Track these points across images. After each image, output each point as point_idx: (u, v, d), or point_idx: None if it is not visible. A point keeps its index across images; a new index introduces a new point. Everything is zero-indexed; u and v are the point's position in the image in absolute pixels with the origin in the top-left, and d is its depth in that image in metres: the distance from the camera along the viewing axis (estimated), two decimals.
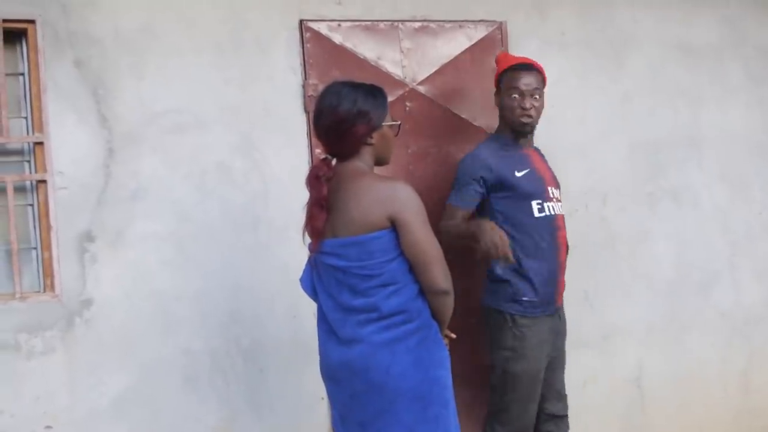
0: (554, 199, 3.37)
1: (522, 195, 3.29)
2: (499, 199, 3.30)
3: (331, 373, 2.72)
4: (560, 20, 3.95)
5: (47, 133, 3.11)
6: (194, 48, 3.30)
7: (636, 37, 4.10)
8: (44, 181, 3.11)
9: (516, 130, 3.39)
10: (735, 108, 4.30)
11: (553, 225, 3.33)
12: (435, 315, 2.71)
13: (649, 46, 4.12)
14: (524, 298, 3.27)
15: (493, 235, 3.02)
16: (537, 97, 3.34)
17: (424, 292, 2.67)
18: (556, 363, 3.41)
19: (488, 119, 3.79)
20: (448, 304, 2.71)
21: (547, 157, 3.53)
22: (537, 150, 3.50)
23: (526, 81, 3.33)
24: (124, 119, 3.20)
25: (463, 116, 3.76)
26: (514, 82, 3.34)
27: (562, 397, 3.45)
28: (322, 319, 2.75)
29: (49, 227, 3.10)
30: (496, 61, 3.52)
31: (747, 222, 4.31)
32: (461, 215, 3.29)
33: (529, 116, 3.33)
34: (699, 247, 4.21)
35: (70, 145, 3.13)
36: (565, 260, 3.39)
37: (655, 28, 4.14)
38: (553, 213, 3.34)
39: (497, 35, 3.81)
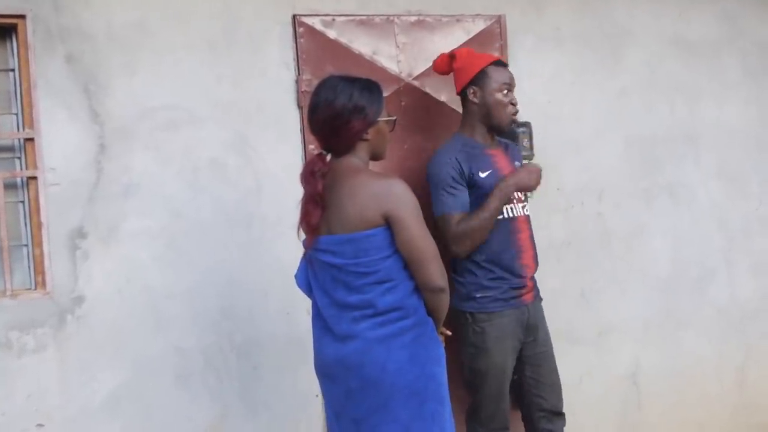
0: (515, 200, 3.30)
1: (484, 197, 3.21)
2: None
3: (325, 370, 2.71)
4: (556, 15, 3.93)
5: (38, 129, 3.08)
6: (187, 44, 3.27)
7: (633, 33, 4.08)
8: (35, 178, 3.08)
9: (498, 127, 3.33)
10: (732, 103, 4.29)
11: (512, 227, 3.28)
12: (431, 312, 2.71)
13: (645, 42, 4.11)
14: (477, 295, 3.24)
15: (533, 174, 3.22)
16: (513, 93, 3.34)
17: (420, 289, 2.67)
18: (540, 358, 3.36)
19: None
20: (444, 301, 2.71)
21: (538, 153, 3.49)
22: (503, 146, 3.43)
23: (511, 77, 3.33)
24: (116, 115, 3.17)
25: (459, 111, 3.72)
26: (502, 77, 3.31)
27: (555, 391, 3.41)
28: (317, 315, 2.74)
29: (40, 224, 3.07)
30: (462, 57, 3.36)
31: (744, 218, 4.31)
32: (461, 218, 3.22)
33: (514, 112, 3.32)
34: (695, 243, 4.20)
35: (61, 141, 3.10)
36: (532, 259, 3.33)
37: (652, 24, 4.13)
38: (512, 215, 3.28)
39: (496, 29, 3.79)
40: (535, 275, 3.38)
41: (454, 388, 3.56)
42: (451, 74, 3.46)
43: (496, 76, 3.31)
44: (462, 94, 3.39)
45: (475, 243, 3.21)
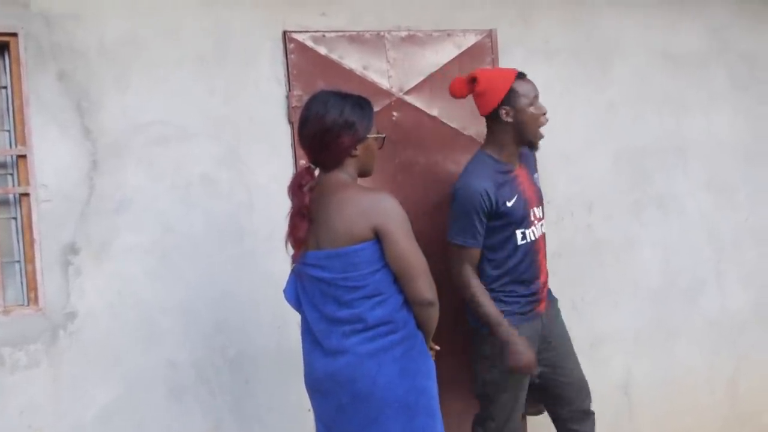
0: (536, 221, 3.32)
1: (508, 224, 3.23)
2: (488, 226, 3.23)
3: (316, 385, 2.72)
4: (545, 29, 3.96)
5: (30, 145, 3.10)
6: (178, 59, 3.29)
7: (621, 46, 4.10)
8: (27, 194, 3.09)
9: (532, 143, 3.28)
10: (720, 115, 4.31)
11: (533, 249, 3.31)
12: (420, 326, 2.72)
13: (634, 54, 4.13)
14: (501, 308, 3.25)
15: (529, 356, 3.15)
16: None
17: (409, 303, 2.68)
18: (558, 357, 3.38)
19: (478, 128, 3.78)
20: (433, 315, 2.72)
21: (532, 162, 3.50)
22: (524, 161, 3.40)
23: (535, 86, 3.28)
24: (108, 131, 3.19)
25: (452, 125, 3.75)
26: (530, 90, 3.25)
27: (580, 389, 3.43)
28: (307, 330, 2.75)
29: (32, 240, 3.08)
30: (485, 79, 3.27)
31: (733, 229, 4.33)
32: (473, 253, 3.22)
33: (547, 121, 3.30)
34: (685, 254, 4.22)
35: (53, 157, 3.11)
36: (546, 272, 3.39)
37: (640, 36, 4.16)
38: (533, 238, 3.30)
39: (487, 43, 3.81)
40: (547, 282, 3.44)
41: (451, 400, 3.61)
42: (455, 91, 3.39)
43: (524, 90, 3.23)
44: (491, 115, 3.28)
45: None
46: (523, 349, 3.16)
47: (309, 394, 2.78)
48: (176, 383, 3.25)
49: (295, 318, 3.04)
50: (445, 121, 3.74)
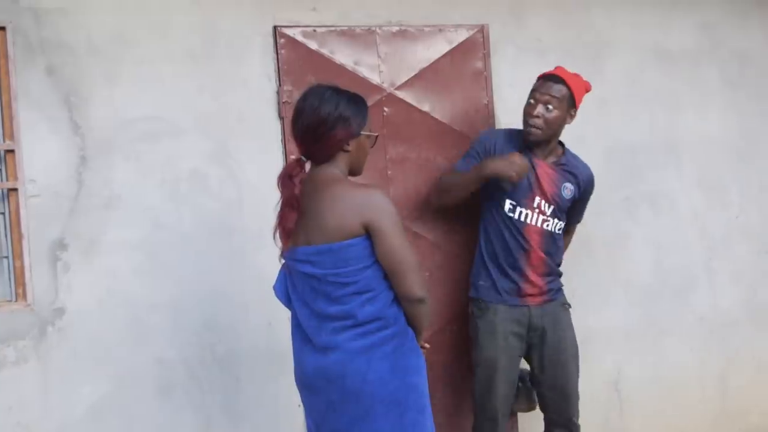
0: (536, 210, 3.40)
1: (501, 191, 3.39)
2: (485, 187, 3.42)
3: (306, 381, 2.71)
4: (537, 26, 3.96)
5: (18, 140, 3.08)
6: (167, 55, 3.28)
7: (613, 43, 4.11)
8: (15, 190, 3.08)
9: (524, 133, 3.42)
10: (712, 113, 4.32)
11: (519, 229, 3.40)
12: (411, 322, 2.70)
13: (625, 52, 4.13)
14: (479, 282, 3.47)
15: (513, 164, 3.29)
16: (550, 107, 3.34)
17: (400, 299, 2.67)
18: (550, 362, 3.44)
19: (468, 123, 3.79)
20: (424, 312, 2.71)
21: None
22: (558, 165, 3.47)
23: (543, 89, 3.37)
24: (96, 127, 3.18)
25: (442, 120, 3.75)
26: (534, 86, 3.40)
27: (563, 399, 3.47)
28: (297, 326, 2.73)
29: (20, 236, 3.07)
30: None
31: (724, 226, 4.33)
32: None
33: (535, 126, 3.35)
34: (676, 252, 4.22)
35: (41, 153, 3.10)
36: (543, 264, 3.43)
37: (632, 34, 4.16)
38: (522, 219, 3.39)
39: (479, 38, 3.80)
40: (555, 283, 3.50)
41: (444, 396, 3.61)
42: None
43: (533, 86, 3.41)
44: None
45: (442, 198, 3.55)
46: (494, 160, 3.33)
47: (299, 391, 2.77)
48: (165, 380, 3.24)
49: (285, 315, 3.03)
50: (436, 116, 3.73)
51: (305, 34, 3.50)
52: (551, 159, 3.48)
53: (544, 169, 3.44)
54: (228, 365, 3.33)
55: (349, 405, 2.61)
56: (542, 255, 3.43)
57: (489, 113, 3.83)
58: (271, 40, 3.44)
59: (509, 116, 3.87)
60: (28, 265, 3.07)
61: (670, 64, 4.23)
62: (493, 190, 3.42)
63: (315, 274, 2.63)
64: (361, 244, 2.60)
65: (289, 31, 3.47)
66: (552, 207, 3.43)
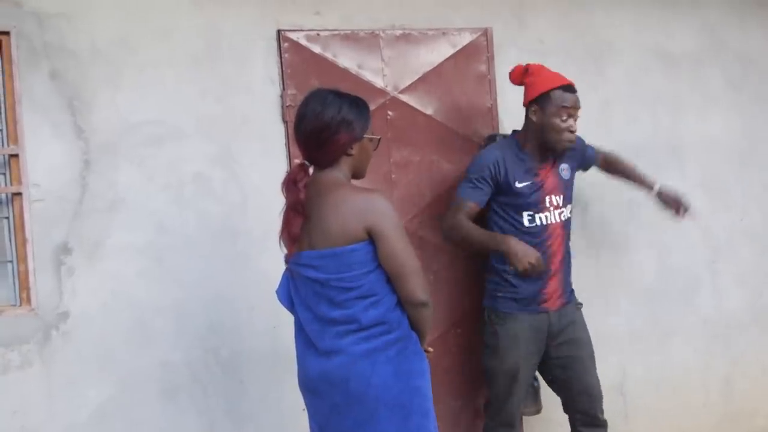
0: (552, 207, 3.42)
1: (516, 206, 3.39)
2: (496, 201, 3.42)
3: (310, 385, 2.71)
4: (539, 28, 3.96)
5: (22, 145, 3.09)
6: (171, 59, 3.28)
7: (615, 45, 4.10)
8: (20, 194, 3.09)
9: (552, 150, 3.40)
10: (715, 115, 4.31)
11: (543, 234, 3.40)
12: (414, 326, 2.70)
13: (628, 54, 4.13)
14: (498, 294, 3.42)
15: (527, 254, 3.25)
16: (577, 117, 3.39)
17: (403, 303, 2.66)
18: (568, 361, 3.45)
19: (473, 126, 3.79)
20: (427, 316, 2.70)
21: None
22: (557, 160, 3.47)
23: (574, 102, 3.36)
24: (100, 131, 3.18)
25: (447, 124, 3.75)
26: (565, 102, 3.36)
27: (588, 396, 3.47)
28: (300, 330, 2.73)
29: (24, 240, 3.08)
30: (534, 73, 3.44)
31: (728, 228, 4.32)
32: (470, 208, 3.40)
33: (569, 138, 3.37)
34: (680, 254, 4.22)
35: (45, 157, 3.11)
36: (561, 266, 3.45)
37: (635, 36, 4.15)
38: (544, 223, 3.41)
39: (483, 41, 3.81)
40: (570, 284, 3.50)
41: (448, 398, 3.61)
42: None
43: (558, 99, 3.35)
44: (526, 108, 3.46)
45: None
46: (520, 249, 3.27)
47: (302, 394, 2.77)
48: (170, 384, 3.24)
49: (288, 318, 3.03)
50: (440, 120, 3.73)
51: (309, 38, 3.50)
52: (546, 162, 3.47)
53: (546, 167, 3.46)
54: (232, 368, 3.33)
55: (353, 408, 2.61)
56: (564, 253, 3.45)
57: (492, 116, 3.83)
58: (274, 43, 3.44)
59: (511, 118, 3.86)
60: (32, 269, 3.08)
61: (673, 66, 4.22)
62: (507, 207, 3.41)
63: (318, 279, 2.63)
64: (365, 249, 2.59)
65: (292, 35, 3.47)
66: (561, 196, 3.46)
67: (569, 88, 3.40)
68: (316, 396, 2.69)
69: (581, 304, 3.57)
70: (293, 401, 3.24)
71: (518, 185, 3.39)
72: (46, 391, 3.08)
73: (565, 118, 3.36)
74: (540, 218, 3.40)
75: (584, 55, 4.03)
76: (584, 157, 3.66)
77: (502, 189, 3.39)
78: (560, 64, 3.92)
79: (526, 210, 3.40)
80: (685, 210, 3.65)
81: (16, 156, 3.10)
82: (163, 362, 3.23)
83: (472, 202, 3.38)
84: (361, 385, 2.59)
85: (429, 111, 3.72)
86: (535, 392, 3.63)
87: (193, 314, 3.28)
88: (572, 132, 3.37)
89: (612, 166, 3.78)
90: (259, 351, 3.36)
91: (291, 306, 2.77)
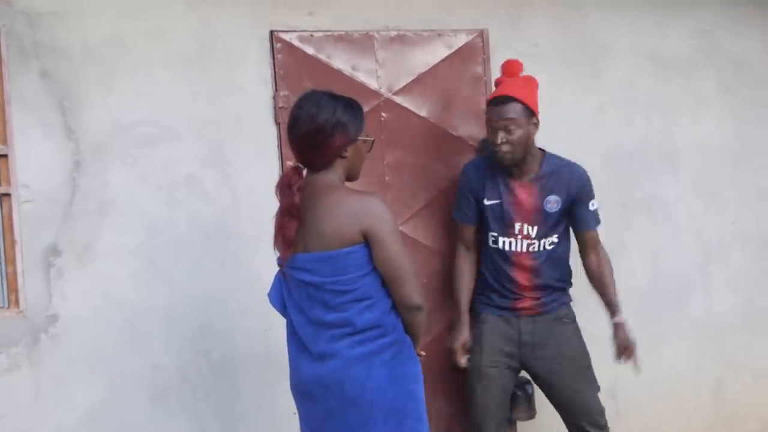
0: (520, 236, 3.37)
1: (484, 224, 3.43)
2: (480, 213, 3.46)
3: (303, 390, 2.69)
4: (534, 32, 3.95)
5: (11, 145, 3.06)
6: (163, 59, 3.25)
7: (610, 49, 4.10)
8: (8, 195, 3.05)
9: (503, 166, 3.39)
10: (708, 119, 4.31)
11: (506, 258, 3.40)
12: (408, 330, 2.69)
13: (622, 58, 4.13)
14: (478, 295, 3.51)
15: (455, 344, 3.44)
16: (512, 128, 3.26)
17: (397, 307, 2.65)
18: (550, 377, 3.43)
19: (468, 128, 3.77)
20: (421, 320, 2.70)
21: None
22: (538, 180, 3.38)
23: (497, 115, 3.28)
24: (91, 131, 3.15)
25: (441, 126, 3.73)
26: (490, 116, 3.31)
27: (576, 409, 3.44)
28: (293, 334, 2.71)
29: (13, 241, 3.04)
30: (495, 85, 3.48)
31: (720, 232, 4.33)
32: (464, 231, 3.50)
33: (503, 151, 3.29)
34: (673, 258, 4.22)
35: (35, 157, 3.08)
36: (528, 288, 3.41)
37: (629, 39, 4.15)
38: (509, 249, 3.38)
39: (478, 43, 3.79)
40: (550, 297, 3.45)
41: (441, 403, 3.60)
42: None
43: (487, 115, 3.34)
44: None
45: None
46: (453, 335, 3.47)
47: (295, 399, 2.75)
48: (160, 387, 3.21)
49: (281, 321, 3.01)
50: (434, 122, 3.72)
51: (302, 39, 3.48)
52: (531, 175, 3.39)
53: (524, 189, 3.38)
54: (223, 372, 3.30)
55: (348, 413, 2.59)
56: (534, 278, 3.40)
57: None
58: (267, 44, 3.42)
59: None
60: (21, 271, 3.05)
61: (667, 70, 4.22)
62: (483, 223, 3.44)
63: (312, 282, 2.61)
64: (360, 252, 2.58)
65: (285, 36, 3.45)
66: (536, 227, 3.38)
67: (495, 100, 3.31)
68: (310, 400, 2.67)
69: (567, 319, 3.50)
70: (285, 405, 3.21)
71: (486, 202, 3.39)
72: (35, 394, 3.05)
73: (491, 131, 3.30)
74: (503, 242, 3.38)
75: (579, 58, 4.02)
76: (578, 206, 3.44)
77: (479, 204, 3.42)
78: (555, 67, 3.94)
79: (491, 230, 3.40)
80: (627, 357, 3.47)
81: (5, 156, 3.06)
82: (153, 365, 3.21)
83: (462, 223, 3.48)
84: (357, 389, 2.58)
85: (423, 113, 3.70)
86: (529, 398, 3.62)
87: (184, 317, 3.25)
88: (504, 144, 3.26)
89: (589, 262, 3.54)
90: (251, 354, 3.34)
91: (283, 309, 2.75)
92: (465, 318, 3.47)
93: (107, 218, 3.16)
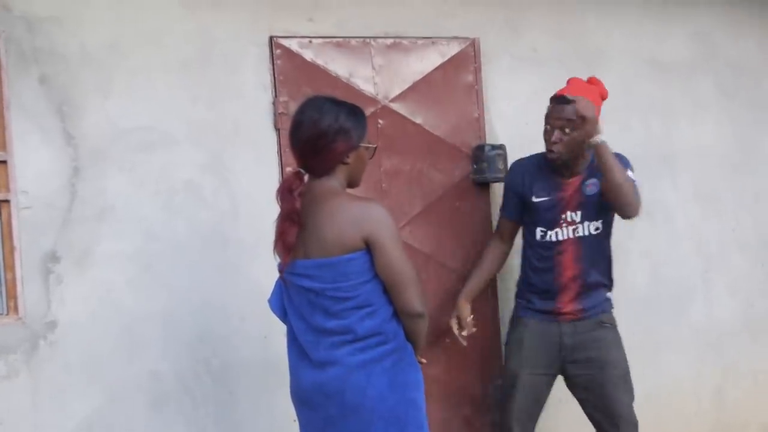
0: (565, 224, 3.37)
1: (531, 220, 3.42)
2: (524, 212, 3.48)
3: (303, 397, 2.67)
4: (532, 37, 3.95)
5: (10, 151, 3.05)
6: (162, 65, 3.25)
7: (608, 54, 4.10)
8: (7, 201, 3.04)
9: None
10: (707, 123, 4.32)
11: (553, 249, 3.38)
12: (409, 337, 2.68)
13: (621, 63, 4.13)
14: (518, 299, 3.51)
15: (453, 318, 3.51)
16: (567, 130, 3.27)
17: (399, 314, 2.64)
18: (585, 380, 3.41)
19: (461, 136, 3.77)
20: (423, 327, 2.68)
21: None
22: (583, 173, 3.38)
23: (558, 113, 3.29)
24: (90, 137, 3.14)
25: (436, 133, 3.73)
26: (547, 112, 3.33)
27: (606, 415, 3.42)
28: (293, 341, 2.70)
29: (12, 248, 3.03)
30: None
31: (720, 238, 4.32)
32: (503, 222, 3.55)
33: (555, 150, 3.29)
34: (673, 264, 4.21)
35: (34, 163, 3.07)
36: (574, 281, 3.38)
37: (627, 44, 4.16)
38: (553, 239, 3.38)
39: (470, 52, 3.80)
40: (592, 300, 3.42)
41: (443, 411, 3.59)
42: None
43: (547, 108, 3.35)
44: None
45: None
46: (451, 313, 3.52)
47: (295, 407, 2.73)
48: (159, 394, 3.20)
49: (280, 327, 3.00)
50: (428, 129, 3.72)
51: (301, 45, 3.48)
52: (579, 173, 3.39)
53: (572, 185, 3.39)
54: (222, 378, 3.29)
55: (349, 420, 2.58)
56: (577, 270, 3.38)
57: (480, 126, 3.82)
58: (266, 50, 3.42)
59: (505, 127, 3.86)
60: (19, 277, 3.03)
61: (666, 75, 4.23)
62: (527, 219, 3.45)
63: (313, 288, 2.60)
64: (362, 258, 2.57)
65: (285, 42, 3.45)
66: (579, 212, 3.38)
67: (556, 99, 3.34)
68: (310, 408, 2.66)
69: (608, 324, 3.47)
70: (284, 412, 3.20)
71: (535, 200, 3.39)
72: (33, 401, 3.03)
73: (548, 128, 3.32)
74: (551, 234, 3.38)
75: (577, 64, 4.01)
76: None
77: (524, 201, 3.43)
78: (553, 72, 3.93)
79: (539, 225, 3.40)
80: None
81: (4, 162, 3.05)
82: (152, 372, 3.19)
83: (504, 216, 3.54)
84: (357, 396, 2.56)
85: (418, 120, 3.70)
86: None
87: (183, 323, 3.24)
88: (557, 144, 3.28)
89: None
90: (250, 361, 3.33)
91: (283, 315, 2.73)
92: (461, 301, 3.52)
93: (106, 224, 3.15)
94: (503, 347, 3.67)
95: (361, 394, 2.55)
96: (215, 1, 3.36)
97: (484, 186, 3.81)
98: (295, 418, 2.77)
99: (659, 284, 4.19)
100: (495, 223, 3.78)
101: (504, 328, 3.83)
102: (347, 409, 2.56)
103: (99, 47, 3.17)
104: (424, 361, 2.81)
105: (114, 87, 3.18)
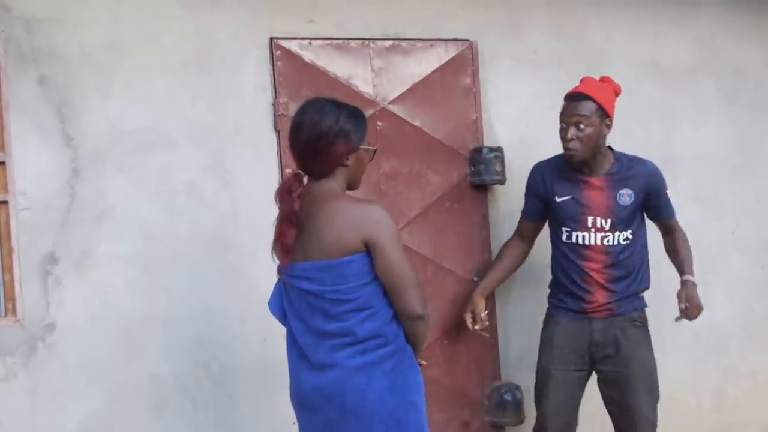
0: (593, 229, 3.38)
1: (556, 220, 3.45)
2: (548, 214, 3.52)
3: (304, 400, 2.66)
4: (533, 39, 3.95)
5: (9, 152, 3.03)
6: (162, 66, 3.24)
7: (609, 56, 4.09)
8: (6, 202, 3.03)
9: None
10: (708, 126, 4.31)
11: (581, 253, 3.40)
12: (409, 339, 2.67)
13: (622, 65, 4.12)
14: (551, 299, 3.54)
15: (467, 312, 3.56)
16: (582, 126, 3.29)
17: (399, 316, 2.63)
18: (614, 377, 3.42)
19: (459, 138, 3.77)
20: (423, 329, 2.67)
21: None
22: (609, 175, 3.40)
23: (569, 111, 3.32)
24: (89, 138, 3.13)
25: (434, 136, 3.73)
26: (562, 110, 3.37)
27: (626, 415, 3.42)
28: (293, 343, 2.69)
29: (11, 249, 3.02)
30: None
31: (720, 240, 4.32)
32: (522, 222, 3.60)
33: (571, 147, 3.31)
34: (672, 266, 4.19)
35: (33, 164, 3.06)
36: (603, 287, 3.39)
37: (628, 47, 4.15)
38: (581, 242, 3.39)
39: (468, 55, 3.79)
40: (624, 297, 3.43)
41: (440, 413, 3.57)
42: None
43: (562, 107, 3.38)
44: None
45: None
46: (465, 306, 3.59)
47: (295, 409, 2.72)
48: (158, 397, 3.19)
49: (280, 330, 2.99)
50: (427, 131, 3.72)
51: (301, 46, 3.47)
52: (602, 172, 3.42)
53: (595, 185, 3.40)
54: (222, 381, 3.28)
55: (349, 423, 2.57)
56: (607, 274, 3.39)
57: (478, 129, 3.81)
58: (266, 51, 3.41)
59: (505, 129, 3.85)
60: (18, 279, 3.02)
61: (667, 77, 4.22)
62: (552, 220, 3.49)
63: (313, 291, 2.59)
64: (361, 261, 2.56)
65: (285, 43, 3.44)
66: (609, 220, 3.39)
67: (570, 96, 3.38)
68: (310, 411, 2.65)
69: (639, 322, 3.48)
70: (284, 415, 3.19)
71: (557, 199, 3.41)
72: (32, 404, 3.02)
73: (563, 126, 3.35)
74: (577, 236, 3.40)
75: (578, 66, 4.00)
76: (654, 198, 3.50)
77: (546, 202, 3.46)
78: (555, 75, 3.93)
79: (564, 225, 3.42)
80: (687, 317, 3.48)
81: (2, 163, 3.04)
82: (151, 375, 3.18)
83: (524, 219, 3.59)
84: (357, 399, 2.55)
85: (417, 122, 3.70)
86: (518, 403, 3.62)
87: (182, 326, 3.23)
88: (573, 140, 3.31)
89: (666, 241, 3.64)
90: (250, 364, 3.32)
91: (283, 318, 2.73)
92: (476, 296, 3.57)
93: (105, 226, 3.14)
94: (500, 351, 3.71)
95: (362, 397, 2.54)
96: (215, 2, 3.35)
97: (481, 188, 3.81)
98: (295, 420, 2.76)
99: (659, 286, 4.17)
100: (493, 224, 3.82)
101: (503, 330, 3.84)
102: (347, 412, 2.55)
103: (98, 48, 3.16)
104: (424, 363, 2.81)
105: (113, 87, 3.17)
